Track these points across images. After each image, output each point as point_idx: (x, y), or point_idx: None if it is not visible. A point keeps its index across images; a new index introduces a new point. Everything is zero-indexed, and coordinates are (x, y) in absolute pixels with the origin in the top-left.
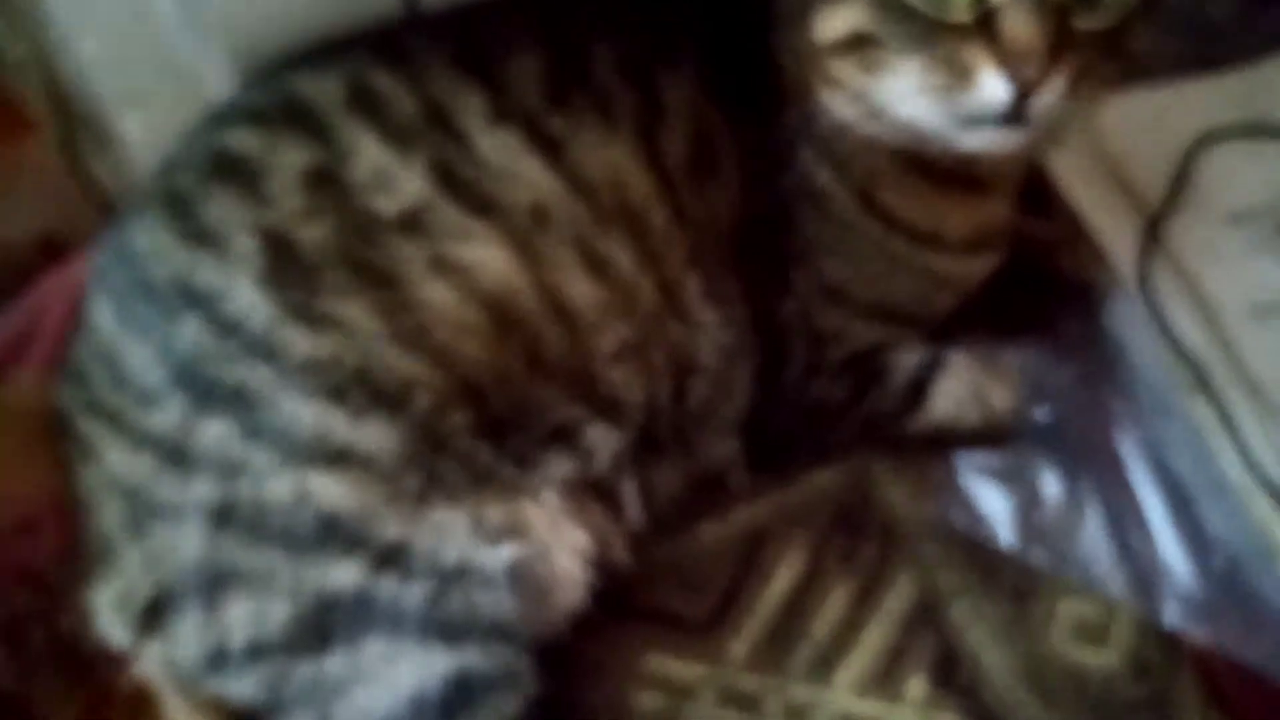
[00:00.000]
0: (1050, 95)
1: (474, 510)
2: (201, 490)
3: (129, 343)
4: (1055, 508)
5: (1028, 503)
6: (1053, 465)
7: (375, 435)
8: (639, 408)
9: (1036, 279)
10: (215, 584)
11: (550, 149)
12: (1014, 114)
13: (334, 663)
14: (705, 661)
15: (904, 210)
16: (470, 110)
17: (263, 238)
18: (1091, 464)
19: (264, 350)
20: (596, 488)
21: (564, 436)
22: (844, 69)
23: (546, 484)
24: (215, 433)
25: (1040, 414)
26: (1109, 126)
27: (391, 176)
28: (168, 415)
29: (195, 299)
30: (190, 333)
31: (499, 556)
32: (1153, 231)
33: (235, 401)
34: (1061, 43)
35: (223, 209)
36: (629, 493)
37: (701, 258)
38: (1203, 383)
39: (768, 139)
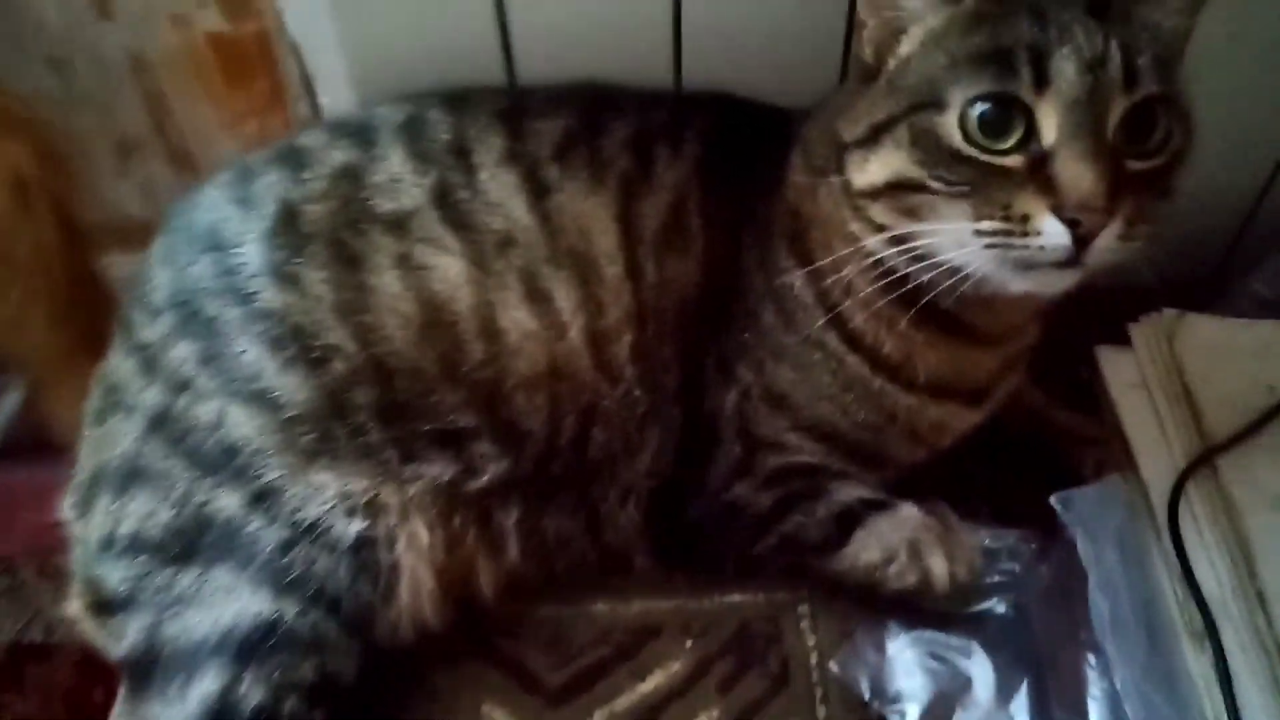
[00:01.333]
0: (1109, 238)
1: (345, 480)
2: (152, 396)
3: (159, 268)
4: (980, 710)
5: (950, 695)
6: (992, 663)
7: (291, 386)
8: (536, 441)
9: (1050, 471)
10: (130, 477)
11: (538, 191)
12: (1073, 259)
13: (185, 578)
14: None
15: (873, 334)
16: (488, 149)
17: (281, 205)
18: (1037, 675)
19: (242, 295)
20: (474, 508)
21: (452, 442)
22: (885, 214)
23: (420, 481)
24: (183, 352)
25: (996, 603)
26: (1190, 346)
27: (401, 184)
28: (156, 329)
29: (216, 244)
30: (200, 269)
31: (350, 528)
32: (1205, 465)
33: (207, 330)
34: (1118, 185)
35: (268, 182)
36: (509, 528)
37: (645, 319)
38: (1210, 631)
39: (746, 228)
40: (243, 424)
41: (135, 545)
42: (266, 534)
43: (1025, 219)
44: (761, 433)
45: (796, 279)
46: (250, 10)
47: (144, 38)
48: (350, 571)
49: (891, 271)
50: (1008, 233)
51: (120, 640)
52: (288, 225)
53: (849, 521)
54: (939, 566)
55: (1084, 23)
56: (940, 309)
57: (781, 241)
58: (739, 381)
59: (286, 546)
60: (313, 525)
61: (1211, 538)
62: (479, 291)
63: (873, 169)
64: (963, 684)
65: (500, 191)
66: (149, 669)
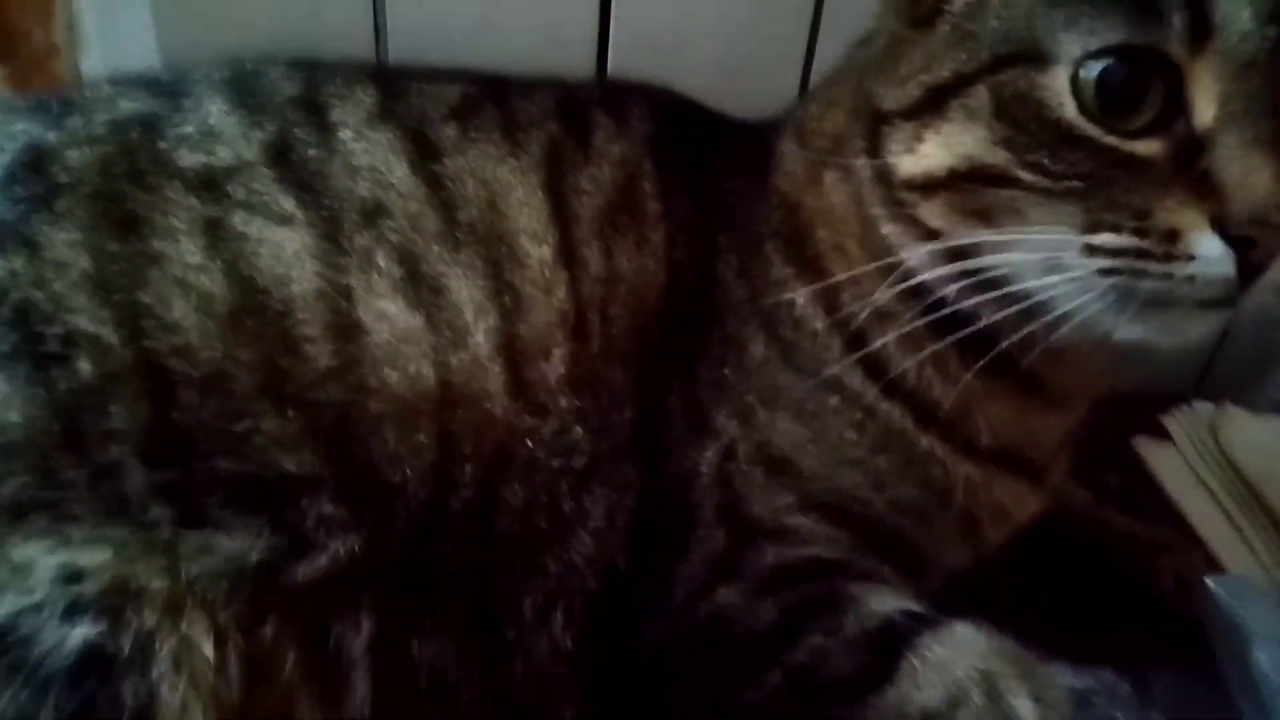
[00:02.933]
0: None
1: (70, 553)
2: None
3: None
4: None
5: None
6: None
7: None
8: (411, 503)
9: (1122, 593)
10: None
11: (425, 154)
12: (1231, 293)
13: None
14: None
15: (918, 374)
16: (354, 105)
17: (26, 149)
18: None
19: None
20: (299, 615)
21: (270, 500)
22: (942, 215)
23: (207, 560)
24: None
25: None
26: (1240, 444)
27: (217, 138)
28: None
29: None
30: None
31: (70, 635)
32: None
33: None
34: None
35: (12, 130)
36: (357, 654)
37: (587, 325)
38: None
39: (719, 227)
40: None
41: None
42: None
43: (1172, 235)
44: (755, 513)
45: (798, 295)
46: None
47: None
48: (62, 710)
49: (940, 303)
50: (1142, 253)
51: None
52: (31, 172)
53: (891, 645)
54: (1027, 711)
55: None
56: (1014, 357)
57: (774, 245)
58: (718, 435)
59: None
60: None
61: None
62: (329, 271)
63: (930, 150)
64: None
65: (370, 153)
66: None
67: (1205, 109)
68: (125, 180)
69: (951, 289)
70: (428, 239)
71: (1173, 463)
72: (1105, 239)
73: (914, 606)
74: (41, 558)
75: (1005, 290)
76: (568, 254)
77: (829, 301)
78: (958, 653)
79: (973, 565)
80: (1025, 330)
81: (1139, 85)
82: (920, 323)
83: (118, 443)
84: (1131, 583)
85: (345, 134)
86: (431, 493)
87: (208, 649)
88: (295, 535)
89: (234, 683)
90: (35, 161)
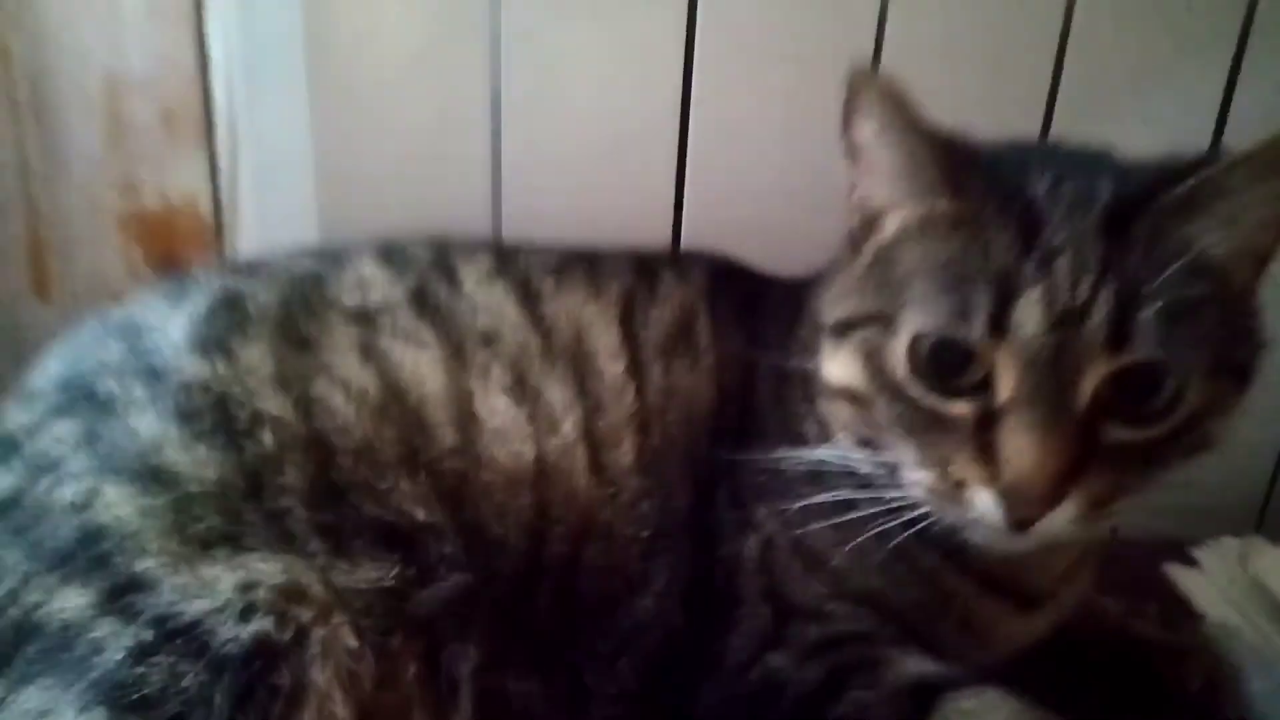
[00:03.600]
0: (1058, 521)
1: (248, 570)
2: (3, 482)
3: (51, 360)
4: None
5: None
6: None
7: (199, 460)
8: (513, 554)
9: (1153, 697)
10: None
11: (531, 298)
12: (1013, 530)
13: None
14: None
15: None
16: (474, 266)
17: (222, 292)
18: None
19: (153, 372)
20: (421, 634)
21: (402, 541)
22: (845, 415)
23: (354, 578)
24: (56, 433)
25: None
26: (1271, 573)
27: (369, 285)
28: (30, 414)
29: (134, 330)
30: (105, 352)
31: (244, 630)
32: None
33: (95, 409)
34: (1081, 461)
35: (209, 284)
36: (463, 675)
37: (650, 424)
38: None
39: (759, 363)
40: (118, 504)
41: None
42: (117, 640)
43: (960, 484)
44: (797, 599)
45: (814, 428)
46: None
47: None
48: (231, 694)
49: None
50: (941, 493)
51: None
52: (228, 308)
53: (926, 698)
54: None
55: (1082, 246)
56: None
57: (798, 384)
58: (758, 528)
59: (142, 654)
60: (189, 626)
61: None
62: (454, 379)
63: (833, 368)
64: None
65: (488, 298)
66: None
67: (1004, 388)
68: (300, 313)
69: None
70: (531, 358)
71: (1204, 585)
72: (920, 476)
73: (946, 671)
74: (224, 574)
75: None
76: (635, 370)
77: None
78: (988, 708)
79: (1001, 666)
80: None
81: (955, 362)
82: None
83: (288, 495)
84: (1162, 687)
85: (469, 285)
86: (528, 546)
87: (351, 642)
88: (421, 568)
89: (367, 678)
90: (232, 300)
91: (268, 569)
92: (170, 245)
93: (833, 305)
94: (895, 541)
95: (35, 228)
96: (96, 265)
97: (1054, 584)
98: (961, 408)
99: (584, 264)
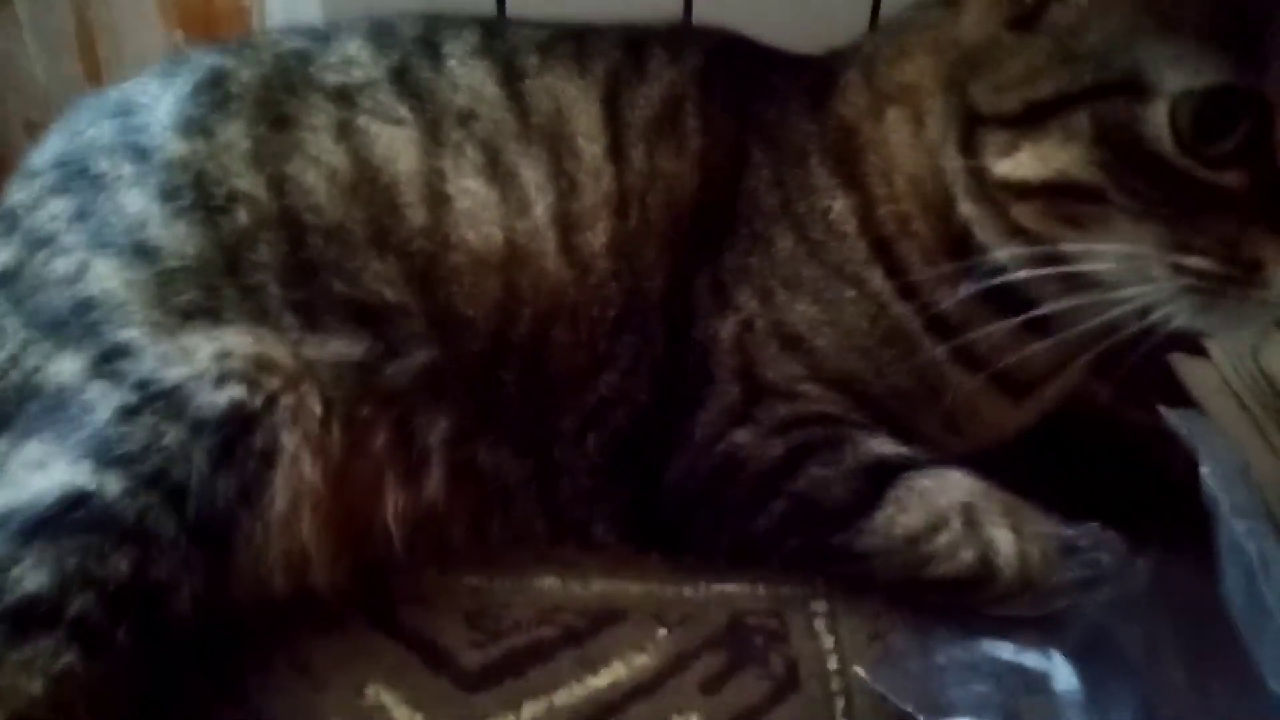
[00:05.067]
0: None
1: (224, 342)
2: (3, 255)
3: (52, 137)
4: None
5: (1023, 710)
6: (1079, 675)
7: (179, 236)
8: (480, 334)
9: (1129, 479)
10: None
11: (513, 75)
12: None
13: None
14: None
15: (932, 288)
16: (459, 41)
17: (208, 70)
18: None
19: (141, 149)
20: (391, 405)
21: (372, 319)
22: (1036, 219)
23: (324, 352)
24: (53, 209)
25: (1080, 604)
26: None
27: (353, 63)
28: (29, 191)
29: (125, 109)
30: (99, 130)
31: (219, 396)
32: None
33: (90, 185)
34: None
35: (199, 61)
36: (432, 445)
37: (627, 207)
38: None
39: (754, 145)
40: (107, 277)
41: None
42: (106, 399)
43: (1255, 265)
44: (769, 378)
45: (836, 201)
46: None
47: None
48: (209, 455)
49: (1013, 290)
50: (1226, 278)
51: None
52: (212, 86)
53: (883, 476)
54: (1005, 541)
55: None
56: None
57: (820, 159)
58: (739, 310)
59: (127, 413)
60: (169, 390)
61: None
62: (426, 158)
63: (1027, 160)
64: (1040, 700)
65: (469, 75)
66: None
67: None
68: (281, 91)
69: (1037, 283)
70: (506, 137)
71: (1206, 374)
72: (1194, 262)
73: (910, 452)
74: (203, 343)
75: (1094, 292)
76: (616, 152)
77: (863, 214)
78: (944, 487)
79: (978, 452)
80: (1097, 325)
81: (1229, 119)
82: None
83: (262, 271)
84: (1147, 470)
85: (452, 61)
86: (496, 326)
87: (317, 409)
88: (389, 344)
89: (336, 443)
90: (216, 79)
91: (241, 340)
92: (209, 26)
93: (1002, 89)
94: (889, 323)
95: (83, 15)
96: (142, 49)
97: (1048, 373)
98: (1232, 176)
99: (572, 40)
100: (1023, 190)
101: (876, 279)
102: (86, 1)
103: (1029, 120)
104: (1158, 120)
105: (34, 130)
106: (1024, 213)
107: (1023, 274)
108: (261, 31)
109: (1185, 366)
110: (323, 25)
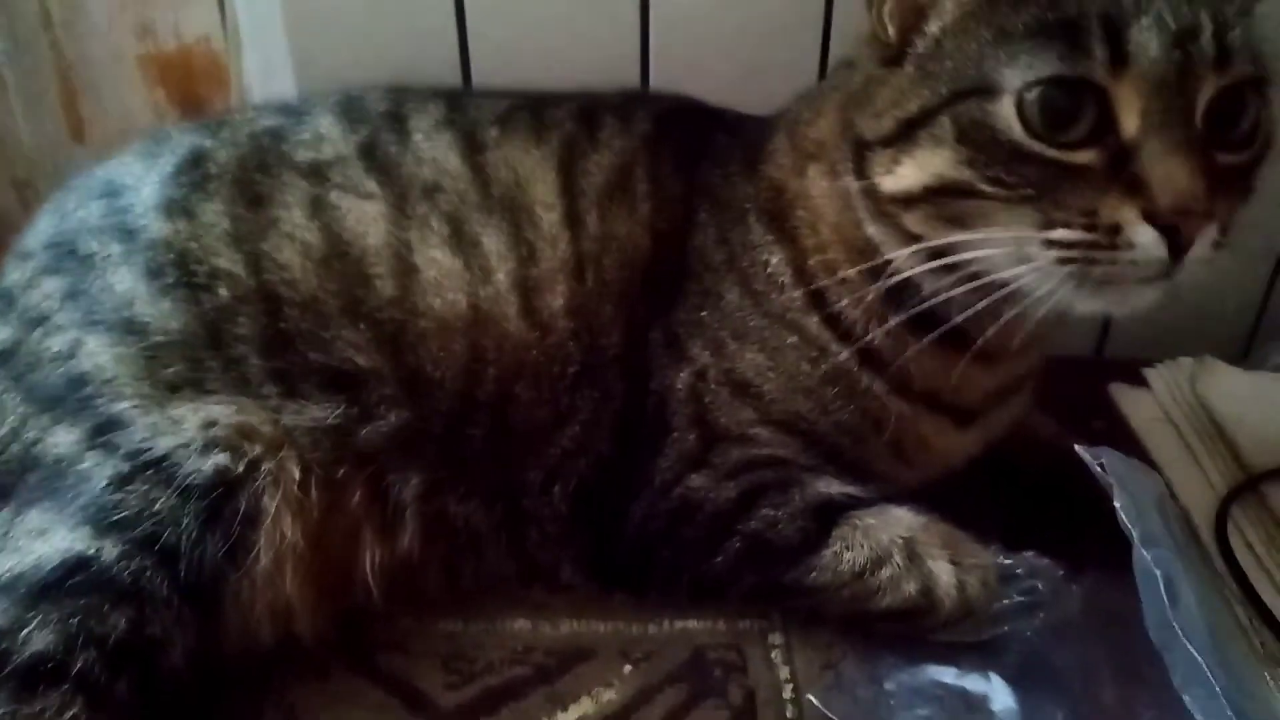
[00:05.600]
0: (1205, 246)
1: (211, 412)
2: (2, 334)
3: (43, 219)
4: None
5: None
6: (1015, 697)
7: (164, 312)
8: (448, 394)
9: (1067, 507)
10: None
11: (474, 148)
12: (1165, 271)
13: None
14: None
15: (863, 324)
16: (425, 115)
17: (189, 151)
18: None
19: (127, 230)
20: (366, 465)
21: (347, 385)
22: (923, 223)
23: (302, 418)
24: (46, 289)
25: (1017, 629)
26: (1217, 392)
27: (326, 140)
28: (23, 272)
29: (111, 190)
30: (87, 212)
31: (205, 463)
32: (1250, 492)
33: (79, 266)
34: (1213, 181)
35: (180, 140)
36: (407, 501)
37: (583, 270)
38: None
39: (701, 206)
40: (98, 353)
41: None
42: (100, 469)
43: (1114, 229)
44: (722, 423)
45: (773, 255)
46: None
47: None
48: (197, 518)
49: (913, 288)
50: (1092, 244)
51: None
52: (192, 167)
53: (829, 515)
54: (944, 573)
55: None
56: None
57: (756, 218)
58: (692, 361)
59: (121, 482)
60: (159, 460)
61: (1272, 562)
62: (394, 230)
63: (906, 172)
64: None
65: (434, 149)
66: None
67: (1130, 122)
68: (256, 171)
69: (931, 278)
70: (469, 208)
71: (1145, 405)
72: (1061, 234)
73: (855, 491)
74: (189, 414)
75: (981, 280)
76: (571, 218)
77: (797, 265)
78: (886, 524)
79: (920, 485)
80: (985, 307)
81: (1072, 106)
82: (882, 303)
83: (243, 343)
84: (1083, 501)
85: (417, 136)
86: (462, 386)
87: (296, 473)
88: (363, 407)
89: (315, 503)
90: (196, 159)
91: (225, 410)
92: (189, 85)
93: (880, 116)
94: (829, 363)
95: (66, 76)
96: (125, 108)
97: (986, 403)
98: (1085, 155)
99: (529, 112)
100: (908, 199)
101: (813, 324)
102: (69, 64)
103: (903, 136)
104: (1006, 113)
105: (21, 189)
106: (913, 220)
107: (918, 269)
108: (240, 102)
109: (1124, 396)
110: (296, 99)
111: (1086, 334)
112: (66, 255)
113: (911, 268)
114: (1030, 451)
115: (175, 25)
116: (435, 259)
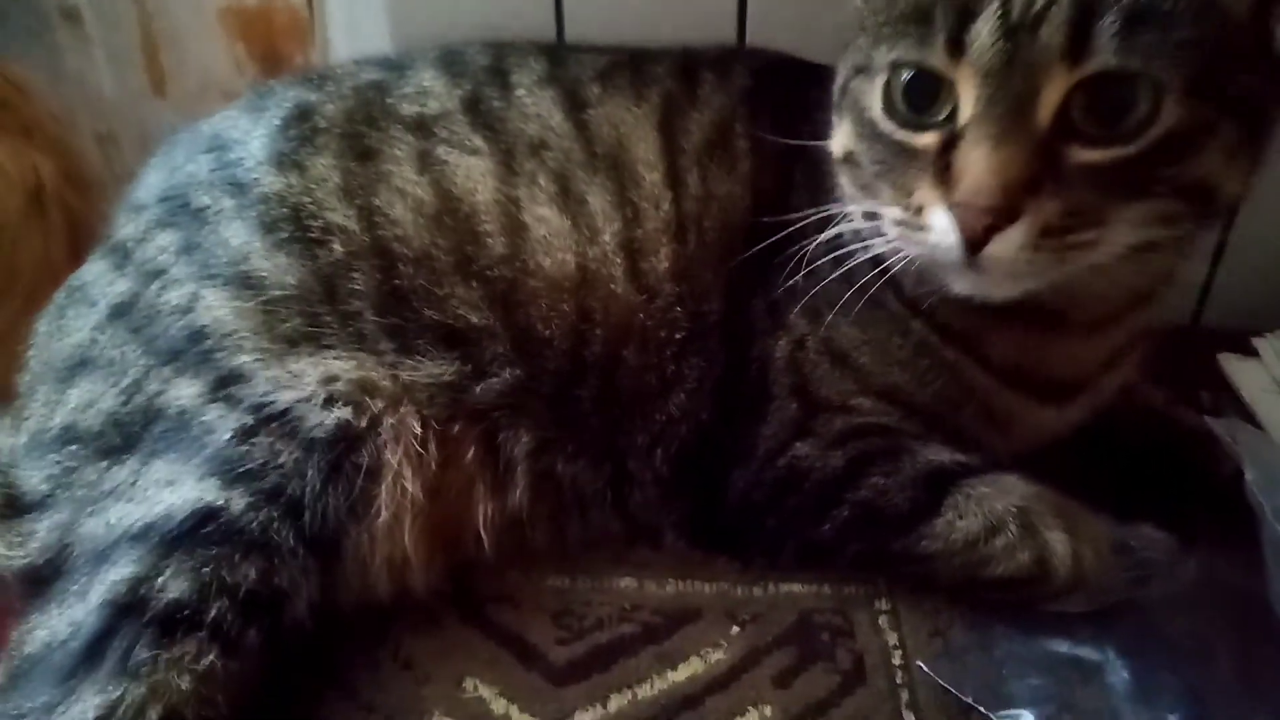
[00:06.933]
0: (1007, 245)
1: (329, 366)
2: (119, 286)
3: (152, 172)
4: None
5: (1078, 703)
6: (1130, 670)
7: (280, 267)
8: (558, 353)
9: (1176, 480)
10: (77, 366)
11: (576, 105)
12: (970, 262)
13: (120, 472)
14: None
15: (923, 298)
16: (526, 71)
17: (295, 105)
18: (1190, 685)
19: (239, 184)
20: (479, 421)
21: (460, 341)
22: (846, 189)
23: (419, 374)
24: (162, 242)
25: (1139, 601)
26: None
27: (428, 93)
28: (137, 225)
29: (219, 144)
30: (197, 165)
31: (328, 418)
32: None
33: (193, 220)
34: (1038, 179)
35: (285, 94)
36: (518, 457)
37: (685, 231)
38: None
39: (797, 164)
40: (217, 307)
41: (67, 436)
42: (224, 422)
43: (919, 210)
44: (824, 394)
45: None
46: None
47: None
48: (320, 472)
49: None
50: (906, 224)
51: (26, 545)
52: (300, 120)
53: (941, 483)
54: (1059, 543)
55: None
56: None
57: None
58: (790, 330)
59: (246, 434)
60: (282, 413)
61: None
62: (503, 187)
63: (837, 138)
64: (1094, 691)
65: (537, 105)
66: (54, 573)
67: (965, 110)
68: (364, 124)
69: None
70: (575, 166)
71: (1255, 375)
72: (887, 211)
73: (966, 459)
74: (309, 368)
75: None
76: (673, 178)
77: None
78: (999, 492)
79: (1022, 455)
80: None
81: (925, 91)
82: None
83: (358, 298)
84: (1195, 471)
85: (520, 91)
86: (571, 346)
87: (416, 428)
88: (476, 364)
89: (432, 458)
90: (303, 113)
91: (344, 365)
92: (270, 40)
93: (836, 77)
94: (916, 337)
95: (148, 29)
96: (205, 62)
97: (1089, 375)
98: (928, 139)
99: (629, 68)
100: (837, 163)
101: (893, 302)
102: (151, 17)
103: (839, 105)
104: (874, 93)
105: (104, 143)
106: (842, 185)
107: (825, 235)
108: (321, 57)
109: (1234, 367)
110: (394, 53)
111: (1183, 303)
112: (179, 209)
113: (861, 224)
114: (1139, 422)
115: None
116: (544, 217)
